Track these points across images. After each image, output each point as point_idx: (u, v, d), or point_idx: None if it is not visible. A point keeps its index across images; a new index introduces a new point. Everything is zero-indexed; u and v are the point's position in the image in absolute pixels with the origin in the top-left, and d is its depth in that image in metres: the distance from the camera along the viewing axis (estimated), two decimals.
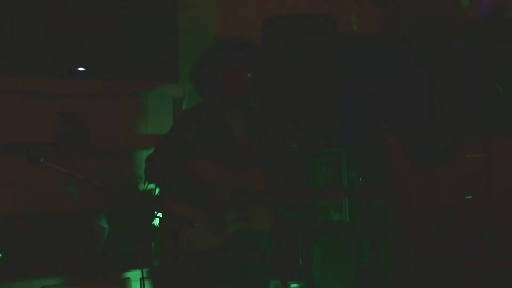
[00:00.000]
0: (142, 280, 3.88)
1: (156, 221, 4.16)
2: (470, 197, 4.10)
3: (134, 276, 3.89)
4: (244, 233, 3.14)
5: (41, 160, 2.37)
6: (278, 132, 3.50)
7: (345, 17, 4.45)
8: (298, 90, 3.95)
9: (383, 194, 3.64)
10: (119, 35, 4.30)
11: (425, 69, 4.79)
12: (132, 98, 4.42)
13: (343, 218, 4.40)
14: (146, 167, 3.23)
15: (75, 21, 4.15)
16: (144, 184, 4.16)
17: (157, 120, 4.46)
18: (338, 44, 4.08)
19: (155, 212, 3.93)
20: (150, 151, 3.31)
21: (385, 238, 4.10)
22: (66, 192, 4.13)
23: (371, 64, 4.55)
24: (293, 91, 3.97)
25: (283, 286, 3.91)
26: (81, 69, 4.20)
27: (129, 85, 4.36)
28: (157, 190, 4.15)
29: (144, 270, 3.92)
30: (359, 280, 4.15)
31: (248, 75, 3.25)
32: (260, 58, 3.36)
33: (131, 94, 4.41)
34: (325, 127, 4.13)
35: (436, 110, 4.94)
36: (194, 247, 3.01)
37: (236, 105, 3.26)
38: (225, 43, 3.34)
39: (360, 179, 3.36)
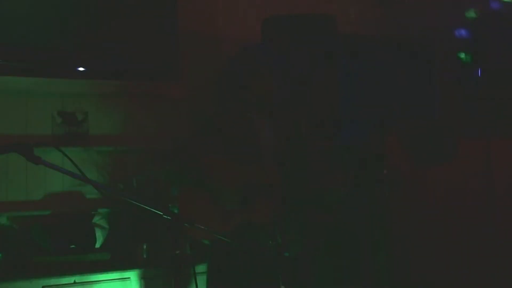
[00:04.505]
0: (142, 280, 3.89)
1: (156, 221, 4.16)
2: None
3: (134, 276, 3.88)
4: (248, 226, 3.18)
5: (41, 160, 2.37)
6: (307, 131, 3.57)
7: (345, 17, 4.45)
8: (298, 90, 3.95)
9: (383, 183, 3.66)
10: (119, 35, 4.30)
11: (425, 69, 4.78)
12: (132, 98, 4.42)
13: (342, 218, 4.40)
14: (173, 157, 3.34)
15: (75, 21, 4.16)
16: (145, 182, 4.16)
17: (156, 120, 4.46)
18: (338, 44, 4.08)
19: (156, 212, 3.92)
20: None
21: (385, 238, 4.10)
22: (67, 192, 4.13)
23: (371, 64, 4.54)
24: (293, 91, 3.97)
25: (283, 286, 3.91)
26: (81, 69, 4.20)
27: (130, 85, 4.36)
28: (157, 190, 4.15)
29: (144, 270, 3.92)
30: (359, 280, 4.15)
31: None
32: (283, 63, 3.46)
33: (131, 94, 4.41)
34: (325, 127, 4.13)
35: (436, 110, 4.94)
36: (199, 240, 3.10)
37: (262, 108, 3.36)
38: (249, 49, 3.43)
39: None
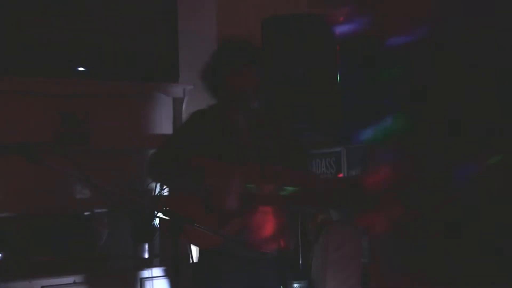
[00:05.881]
0: (140, 280, 3.89)
1: (156, 221, 4.16)
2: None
3: (134, 276, 3.89)
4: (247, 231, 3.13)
5: (41, 160, 2.37)
6: (291, 132, 3.47)
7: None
8: (298, 90, 3.95)
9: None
10: (119, 35, 4.30)
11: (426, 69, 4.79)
12: (132, 98, 4.42)
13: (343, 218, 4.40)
14: (150, 164, 3.24)
15: (75, 21, 4.15)
16: (146, 182, 4.15)
17: (157, 120, 4.46)
18: (338, 44, 4.08)
19: (155, 212, 3.93)
20: (150, 151, 3.30)
21: (385, 238, 4.10)
22: (67, 192, 4.13)
23: (371, 64, 4.54)
24: (293, 91, 3.97)
25: (284, 286, 3.91)
26: (81, 69, 4.20)
27: (129, 85, 4.36)
28: (157, 190, 4.15)
29: (144, 270, 3.92)
30: (359, 280, 4.15)
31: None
32: (264, 59, 3.36)
33: (131, 94, 4.41)
34: (325, 127, 4.13)
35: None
36: (197, 246, 3.04)
37: (244, 106, 3.27)
38: (232, 44, 3.35)
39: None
